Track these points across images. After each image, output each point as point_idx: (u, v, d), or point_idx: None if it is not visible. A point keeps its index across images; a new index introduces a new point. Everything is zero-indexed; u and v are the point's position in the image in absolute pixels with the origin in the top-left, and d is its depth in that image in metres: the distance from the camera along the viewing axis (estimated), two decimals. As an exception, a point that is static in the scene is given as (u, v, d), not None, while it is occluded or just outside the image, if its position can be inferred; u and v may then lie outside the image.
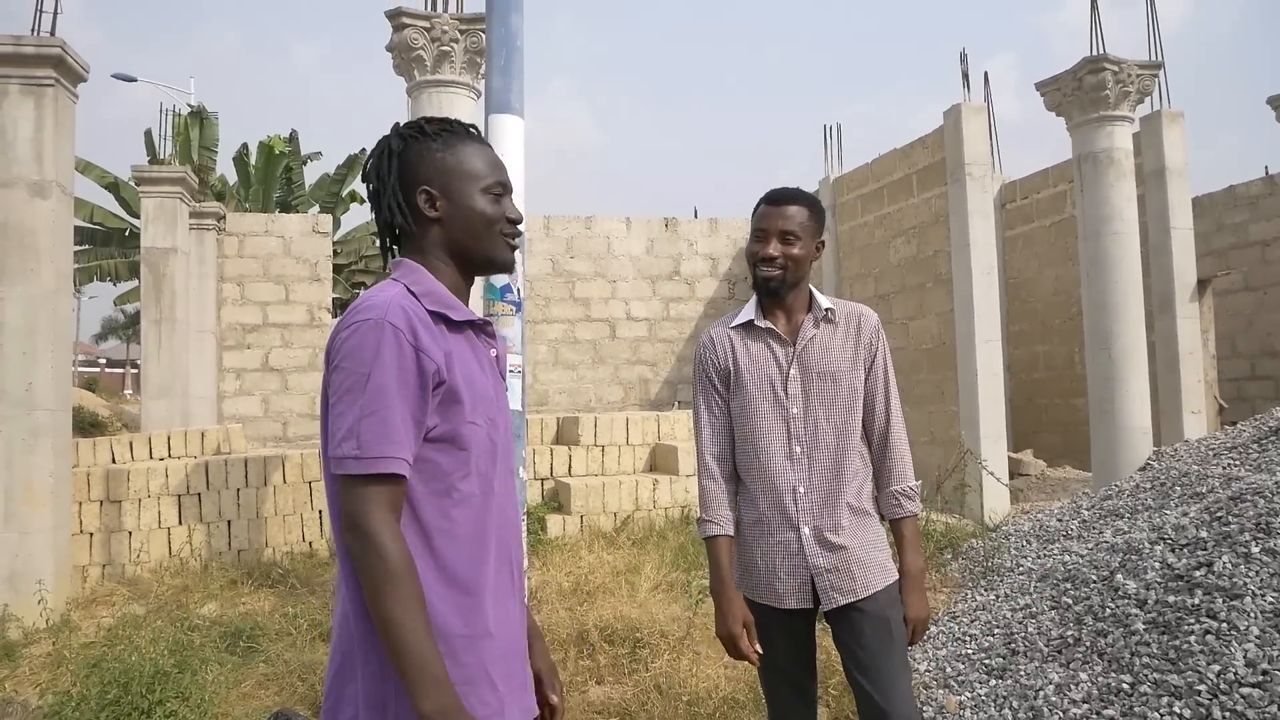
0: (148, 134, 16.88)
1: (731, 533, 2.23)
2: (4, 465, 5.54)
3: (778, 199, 2.21)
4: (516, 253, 4.10)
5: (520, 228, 1.55)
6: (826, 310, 2.23)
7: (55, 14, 6.28)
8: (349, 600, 1.32)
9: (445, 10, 5.33)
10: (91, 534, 6.63)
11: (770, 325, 2.23)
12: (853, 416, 2.20)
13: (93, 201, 17.00)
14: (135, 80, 22.29)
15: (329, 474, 1.33)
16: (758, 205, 2.24)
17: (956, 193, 7.76)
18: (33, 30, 6.09)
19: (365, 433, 1.25)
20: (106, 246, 17.11)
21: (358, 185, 19.11)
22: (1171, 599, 3.46)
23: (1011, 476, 8.33)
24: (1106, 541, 4.53)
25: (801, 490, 2.16)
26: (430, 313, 1.35)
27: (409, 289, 1.36)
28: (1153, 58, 7.22)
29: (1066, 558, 4.64)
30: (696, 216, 13.02)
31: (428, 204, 1.42)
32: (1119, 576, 3.85)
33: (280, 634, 4.96)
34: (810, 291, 2.26)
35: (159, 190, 9.69)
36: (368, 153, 1.49)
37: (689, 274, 12.57)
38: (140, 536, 6.66)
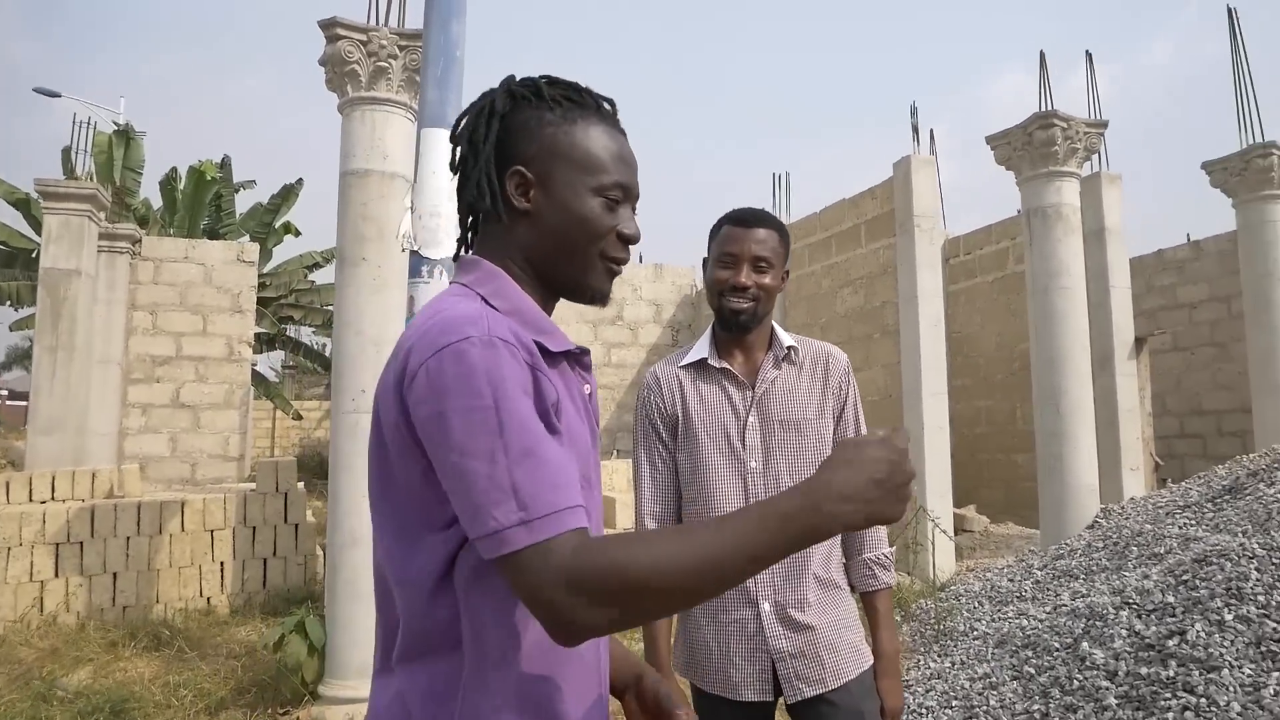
0: (65, 151, 16.09)
1: None
2: None
3: (748, 220, 1.91)
4: (436, 276, 3.72)
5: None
6: (789, 349, 1.94)
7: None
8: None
9: (385, 24, 5.04)
10: (-56, 589, 5.81)
11: (726, 365, 1.93)
12: None
13: None
14: (59, 96, 21.40)
15: (398, 571, 0.98)
16: (720, 225, 1.94)
17: (905, 244, 7.69)
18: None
19: (524, 484, 0.88)
20: (10, 268, 16.10)
21: (292, 216, 18.50)
22: (1144, 670, 3.24)
23: (956, 532, 8.18)
24: (1065, 605, 4.33)
25: None
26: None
27: (488, 303, 1.02)
28: (1095, 115, 7.30)
29: (1024, 622, 4.43)
30: (641, 261, 12.84)
31: (518, 190, 1.07)
32: (1084, 645, 3.63)
33: (160, 707, 4.39)
34: (772, 327, 1.98)
35: (65, 207, 9.00)
36: (465, 121, 1.13)
37: (632, 319, 12.34)
38: (7, 591, 5.85)
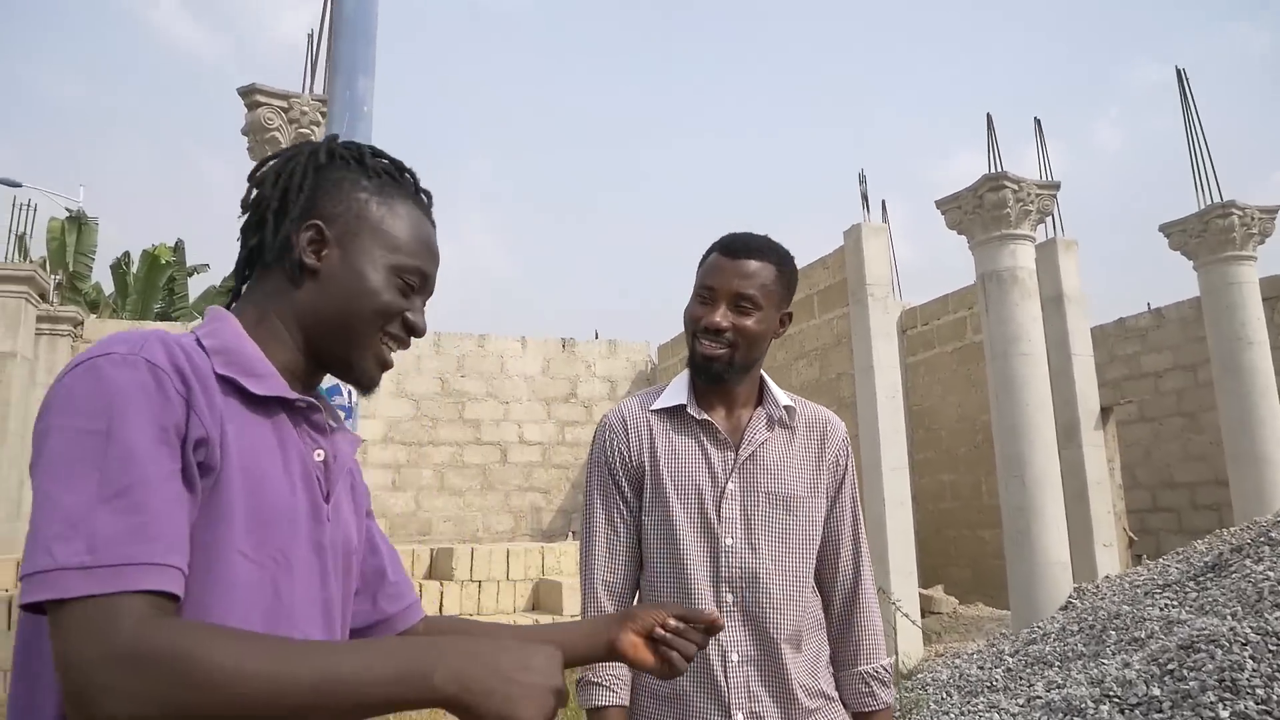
0: (20, 237, 15.80)
1: (626, 701, 1.53)
2: None
3: (736, 249, 1.57)
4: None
5: (411, 341, 1.03)
6: (784, 409, 1.60)
7: None
8: None
9: (309, 91, 4.81)
10: None
11: (706, 417, 1.57)
12: (807, 560, 1.56)
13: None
14: (20, 186, 21.20)
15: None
16: (709, 253, 1.61)
17: (859, 313, 7.49)
18: None
19: (103, 526, 0.73)
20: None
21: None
22: (1131, 777, 2.86)
23: (923, 615, 7.77)
24: (1040, 697, 3.94)
25: (735, 659, 1.49)
26: (219, 377, 0.88)
27: (198, 341, 0.90)
28: (1047, 178, 7.22)
29: (995, 716, 4.02)
30: (597, 338, 12.61)
31: (312, 245, 0.97)
32: (1063, 745, 3.24)
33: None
34: (763, 380, 1.63)
35: (1, 289, 8.67)
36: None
37: (586, 396, 12.03)
38: None
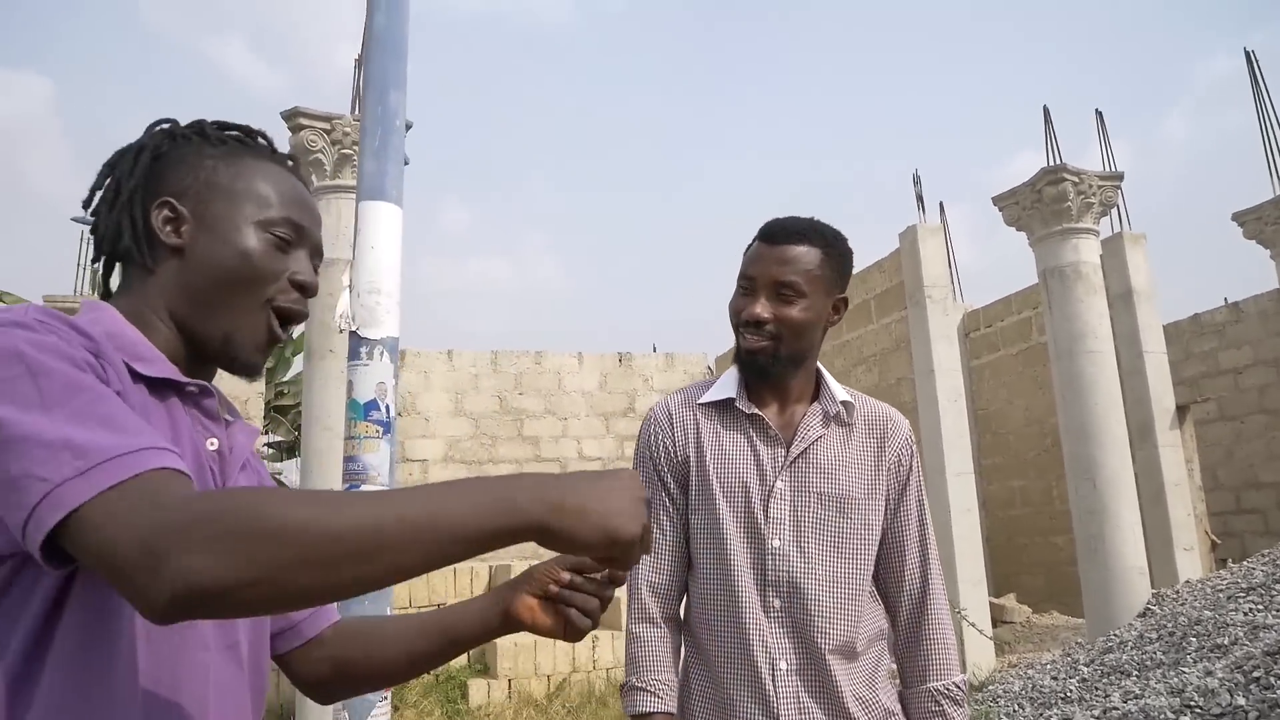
0: (95, 270, 16.54)
1: (673, 708, 1.48)
2: None
3: (776, 235, 1.49)
4: (377, 358, 3.35)
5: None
6: (842, 404, 1.52)
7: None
8: None
9: (352, 112, 4.91)
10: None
11: (757, 412, 1.51)
12: (862, 566, 1.48)
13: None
14: (91, 222, 22.22)
15: None
16: (751, 242, 1.54)
17: (917, 316, 7.33)
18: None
19: (79, 437, 0.67)
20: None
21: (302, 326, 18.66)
22: (1214, 791, 2.70)
23: (994, 625, 7.52)
24: (1116, 708, 3.76)
25: (783, 667, 1.42)
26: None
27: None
28: (1109, 169, 6.98)
29: (1070, 729, 3.85)
30: (654, 351, 12.59)
31: (168, 224, 0.91)
32: (1141, 758, 3.08)
33: None
34: (819, 373, 1.56)
35: (69, 322, 9.09)
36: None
37: (644, 410, 12.00)
38: None
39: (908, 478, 1.54)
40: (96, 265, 0.97)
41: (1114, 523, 6.10)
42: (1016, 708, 4.64)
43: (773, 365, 1.49)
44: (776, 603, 1.45)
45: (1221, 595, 5.15)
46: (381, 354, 3.43)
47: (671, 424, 1.56)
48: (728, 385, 1.55)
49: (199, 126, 0.97)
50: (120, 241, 0.92)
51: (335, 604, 1.02)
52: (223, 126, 0.98)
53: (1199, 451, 9.35)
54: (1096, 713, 3.90)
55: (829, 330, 1.59)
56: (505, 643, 6.33)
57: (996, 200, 6.96)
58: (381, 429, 3.04)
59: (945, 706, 1.48)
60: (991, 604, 7.68)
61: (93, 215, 0.96)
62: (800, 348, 1.50)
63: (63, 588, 0.73)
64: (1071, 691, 4.53)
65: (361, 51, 5.45)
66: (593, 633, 6.58)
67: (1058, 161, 6.70)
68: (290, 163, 1.00)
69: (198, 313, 0.91)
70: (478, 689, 6.14)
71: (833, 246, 1.52)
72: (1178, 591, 5.99)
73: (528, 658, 6.29)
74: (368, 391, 3.16)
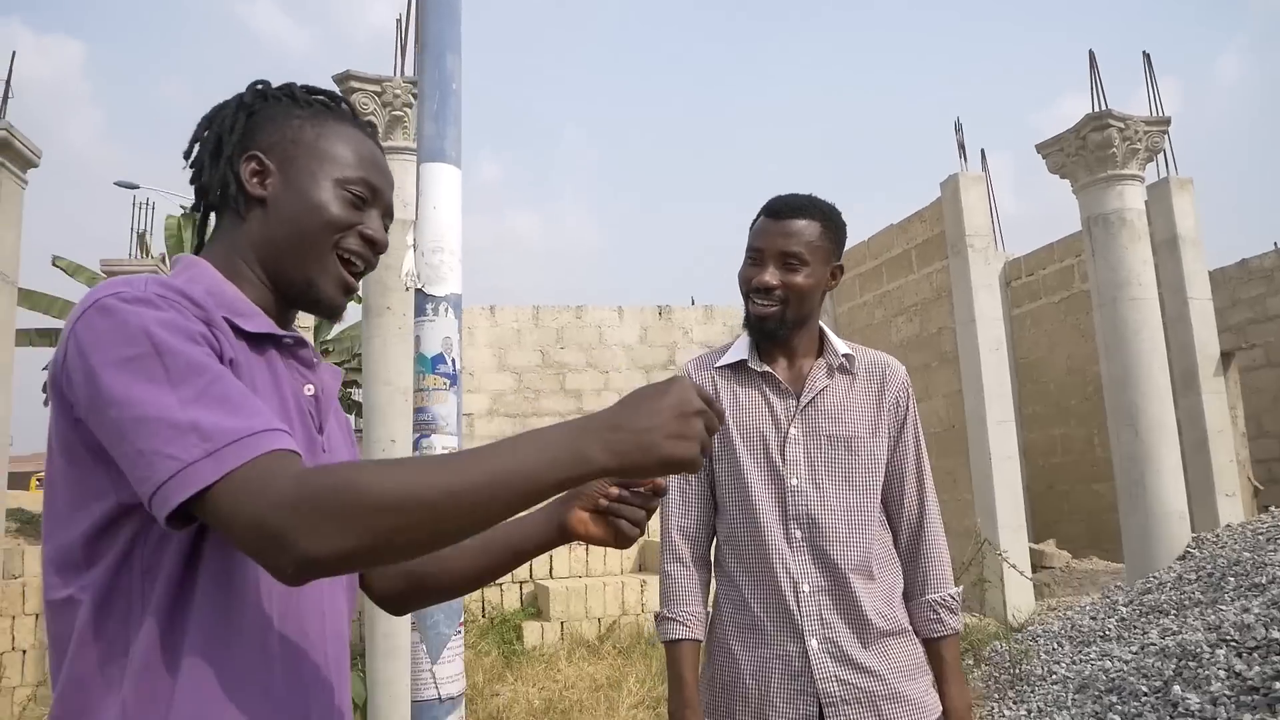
0: (141, 236, 16.95)
1: (701, 636, 1.68)
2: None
3: (780, 210, 1.68)
4: (442, 314, 3.55)
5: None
6: (844, 357, 1.71)
7: (6, 98, 6.07)
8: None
9: (399, 74, 5.03)
10: (25, 651, 6.02)
11: (768, 369, 1.71)
12: (871, 496, 1.67)
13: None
14: (137, 187, 22.50)
15: (52, 551, 0.84)
16: (756, 217, 1.73)
17: (958, 265, 7.35)
18: (-18, 113, 5.85)
19: (203, 419, 0.76)
20: (95, 349, 16.83)
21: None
22: (1247, 717, 2.82)
23: (1034, 570, 7.64)
24: (1154, 644, 3.89)
25: (806, 589, 1.61)
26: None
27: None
28: (1156, 114, 6.88)
29: (1108, 664, 3.99)
30: (693, 304, 12.67)
31: (255, 176, 0.99)
32: (1177, 688, 3.21)
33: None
34: (822, 331, 1.75)
35: (128, 284, 9.38)
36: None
37: (684, 363, 12.12)
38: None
39: (905, 416, 1.72)
40: (195, 215, 1.06)
41: (1155, 468, 6.16)
42: (1056, 646, 4.79)
43: (780, 327, 1.67)
44: (798, 533, 1.64)
45: (1261, 538, 5.22)
46: (446, 310, 3.59)
47: None
48: (740, 349, 1.75)
49: (289, 89, 1.05)
50: (226, 191, 0.99)
51: None
52: (310, 91, 1.06)
53: (1244, 398, 9.29)
54: (1134, 649, 4.03)
55: (830, 292, 1.77)
56: (558, 587, 6.59)
57: (1040, 148, 6.91)
58: (449, 381, 3.21)
59: (942, 614, 1.68)
60: (1031, 550, 7.79)
61: (193, 167, 1.03)
62: (804, 311, 1.69)
63: (197, 534, 0.83)
64: (1110, 630, 4.66)
65: (407, 11, 5.55)
66: (641, 577, 6.81)
67: (1103, 107, 6.62)
68: (370, 128, 1.08)
69: (280, 260, 0.99)
70: (532, 631, 6.41)
71: (830, 220, 1.71)
72: (1217, 535, 6.05)
73: (579, 601, 6.54)
74: (435, 346, 3.33)
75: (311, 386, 0.99)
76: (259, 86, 1.05)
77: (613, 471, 0.79)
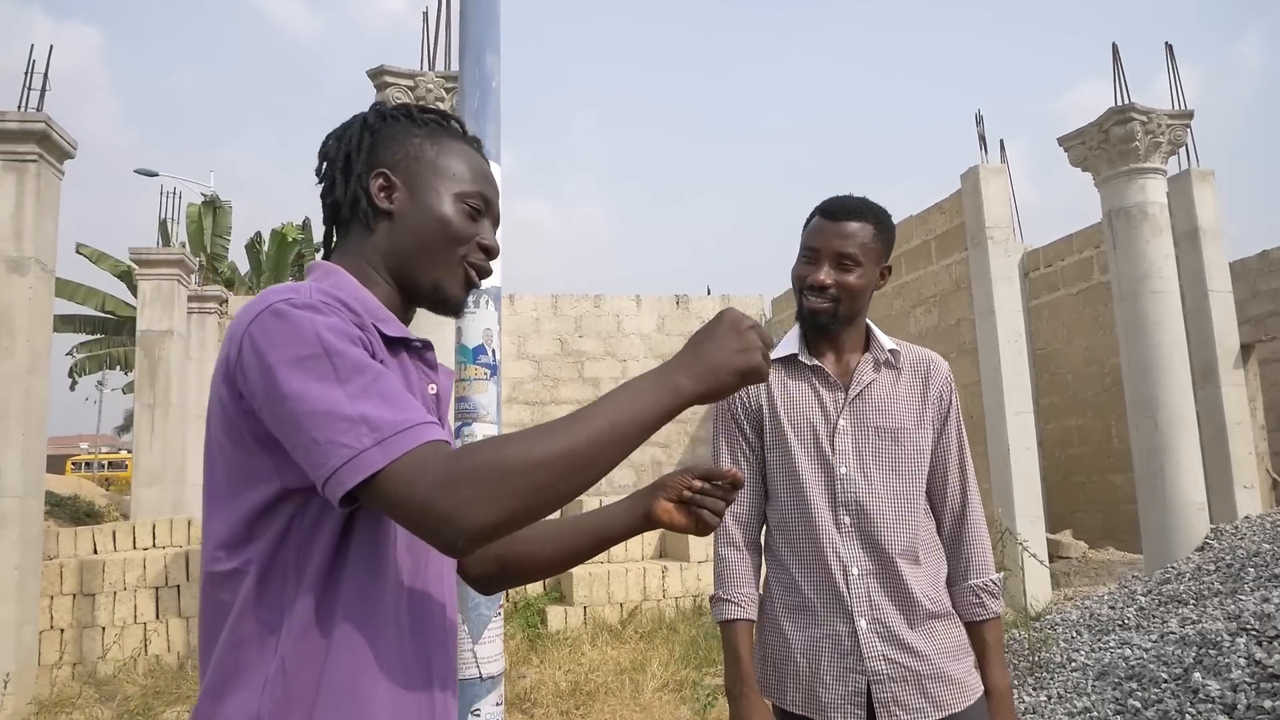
0: (162, 224, 17.10)
1: (754, 616, 1.77)
2: (-34, 556, 5.19)
3: (836, 212, 1.75)
4: (483, 306, 3.66)
5: (492, 265, 1.14)
6: (890, 352, 1.79)
7: (43, 91, 6.18)
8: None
9: (428, 68, 5.11)
10: (63, 630, 6.23)
11: (817, 363, 1.78)
12: (916, 485, 1.75)
13: (105, 291, 16.98)
14: (156, 175, 22.66)
15: (209, 517, 0.95)
16: (811, 216, 1.80)
17: (978, 257, 7.39)
18: (19, 106, 5.96)
19: (371, 412, 0.86)
20: (118, 335, 17.03)
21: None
22: (1267, 704, 2.90)
23: (1051, 559, 7.71)
24: (1174, 633, 3.96)
25: (855, 572, 1.70)
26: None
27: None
28: (1179, 107, 6.89)
29: (1127, 651, 4.07)
30: (709, 293, 12.74)
31: (383, 191, 1.08)
32: (1197, 675, 3.29)
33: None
34: (868, 327, 1.82)
35: (156, 273, 9.53)
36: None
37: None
38: (113, 633, 6.28)
39: (948, 410, 1.79)
40: (326, 228, 1.14)
41: (1174, 460, 6.22)
42: (1075, 634, 4.86)
43: (832, 324, 1.75)
44: (847, 519, 1.72)
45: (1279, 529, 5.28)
46: (488, 302, 3.69)
47: None
48: (791, 343, 1.82)
49: (406, 109, 1.14)
50: (358, 206, 1.08)
51: None
52: (423, 110, 1.14)
53: (1264, 390, 9.31)
54: (1154, 637, 4.11)
55: (878, 290, 1.84)
56: (580, 572, 6.70)
57: (1062, 141, 6.94)
58: (489, 371, 3.31)
59: (984, 599, 1.76)
60: (1048, 540, 7.86)
61: (323, 183, 1.12)
62: (855, 309, 1.76)
63: (346, 519, 0.94)
64: (1129, 619, 4.74)
65: (438, 7, 5.63)
66: (662, 564, 6.92)
67: (1125, 100, 6.64)
68: (476, 143, 1.16)
69: (408, 267, 1.08)
70: (555, 615, 6.53)
71: (883, 223, 1.78)
72: (1236, 526, 6.11)
73: (601, 587, 6.66)
74: (476, 337, 3.43)
75: (434, 386, 1.09)
76: (379, 107, 1.14)
77: (701, 394, 0.93)
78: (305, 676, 0.90)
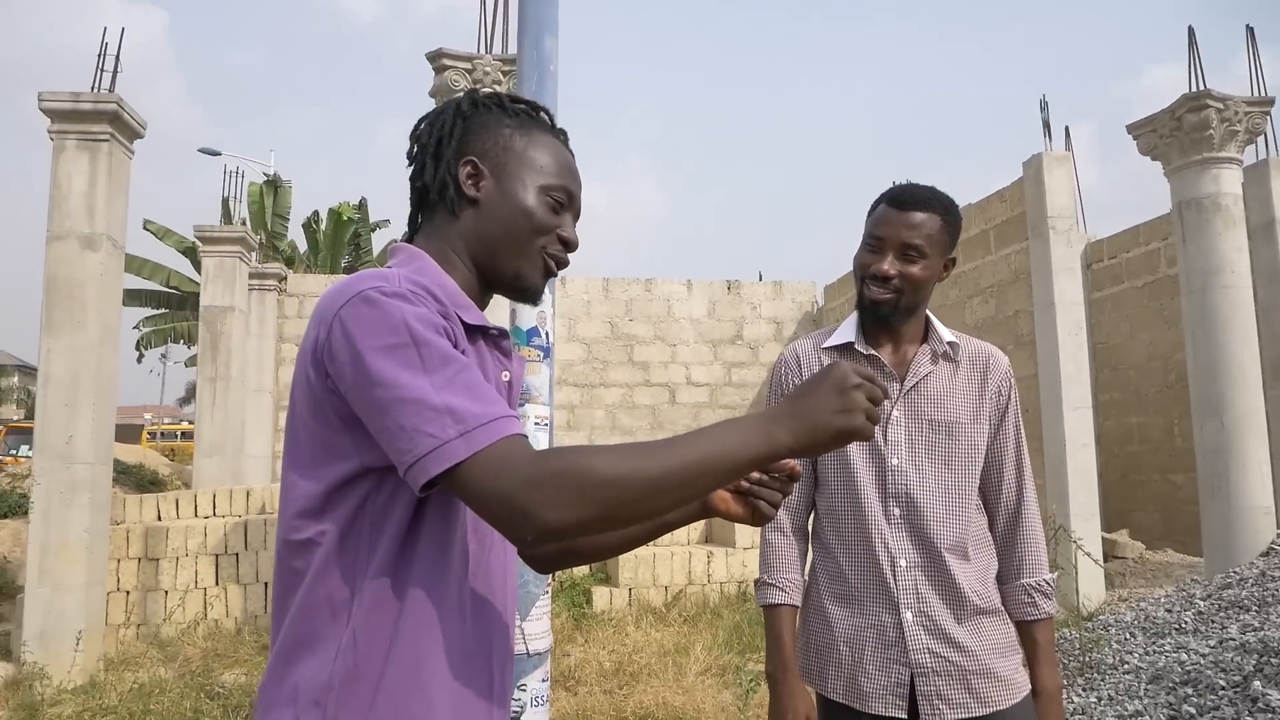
0: (225, 202, 17.52)
1: (798, 602, 1.77)
2: (41, 519, 5.47)
3: (903, 201, 1.71)
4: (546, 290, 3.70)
5: (569, 257, 1.15)
6: (948, 344, 1.76)
7: (115, 72, 6.35)
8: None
9: (488, 52, 5.14)
10: (128, 592, 6.50)
11: (873, 353, 1.75)
12: (969, 480, 1.72)
13: (170, 267, 17.48)
14: (219, 154, 23.22)
15: (289, 507, 0.99)
16: (876, 204, 1.76)
17: (1039, 248, 7.21)
18: (92, 88, 6.13)
19: (456, 403, 0.88)
20: (182, 310, 17.55)
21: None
22: (1329, 715, 2.82)
23: (1106, 559, 7.54)
24: (1234, 639, 3.86)
25: (903, 564, 1.68)
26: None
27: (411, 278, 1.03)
28: (1258, 94, 6.62)
29: (1183, 656, 3.97)
30: (761, 279, 12.65)
31: (470, 179, 1.10)
32: (1257, 683, 3.20)
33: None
34: (928, 319, 1.79)
35: (219, 250, 9.79)
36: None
37: (752, 338, 12.14)
38: (176, 596, 6.54)
39: (1006, 405, 1.76)
40: (412, 213, 1.17)
41: (1241, 461, 6.02)
42: (1128, 636, 4.76)
43: (893, 315, 1.72)
44: (896, 511, 1.70)
45: (1351, 536, 5.09)
46: (541, 287, 3.75)
47: (799, 365, 1.82)
48: (848, 330, 1.79)
49: (498, 98, 1.16)
50: (446, 191, 1.10)
51: None
52: (515, 100, 1.16)
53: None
54: (1212, 643, 4.01)
55: (941, 282, 1.80)
56: (626, 554, 6.73)
57: (1131, 128, 6.72)
58: (542, 354, 3.34)
59: (1037, 599, 1.72)
60: (1104, 539, 7.69)
61: (413, 166, 1.15)
62: (918, 300, 1.73)
63: (419, 503, 0.97)
64: (1186, 623, 4.62)
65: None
66: (708, 549, 6.93)
67: (1201, 86, 6.41)
68: (563, 135, 1.18)
69: (490, 255, 1.10)
70: (601, 595, 6.59)
71: (950, 214, 1.74)
72: (1304, 532, 5.91)
73: (647, 569, 6.70)
74: (529, 320, 3.46)
75: (508, 374, 1.11)
76: (473, 95, 1.16)
77: (796, 450, 0.93)
78: (376, 649, 0.94)
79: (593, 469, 0.86)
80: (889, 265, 1.69)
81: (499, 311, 5.01)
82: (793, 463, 1.13)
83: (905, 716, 1.65)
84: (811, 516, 1.85)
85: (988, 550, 1.75)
